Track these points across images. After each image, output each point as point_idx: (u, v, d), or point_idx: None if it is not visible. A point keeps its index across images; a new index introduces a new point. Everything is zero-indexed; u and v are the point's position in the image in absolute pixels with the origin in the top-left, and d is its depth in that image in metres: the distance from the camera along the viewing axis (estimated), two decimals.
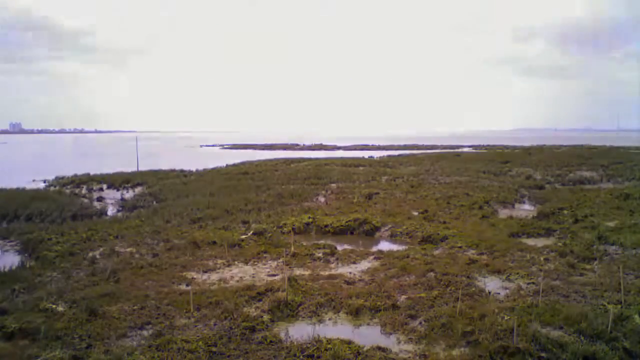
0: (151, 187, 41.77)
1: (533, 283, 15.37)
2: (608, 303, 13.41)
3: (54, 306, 13.42)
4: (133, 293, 14.66)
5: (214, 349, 11.14)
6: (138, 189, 42.76)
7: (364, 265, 18.09)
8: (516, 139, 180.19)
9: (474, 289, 14.92)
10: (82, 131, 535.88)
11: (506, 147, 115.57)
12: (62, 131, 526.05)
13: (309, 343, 11.19)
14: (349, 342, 11.26)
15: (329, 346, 10.98)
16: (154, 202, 34.47)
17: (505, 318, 12.35)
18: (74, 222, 26.85)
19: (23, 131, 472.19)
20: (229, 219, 26.62)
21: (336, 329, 12.55)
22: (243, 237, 22.22)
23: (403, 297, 14.40)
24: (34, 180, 48.97)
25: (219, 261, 18.43)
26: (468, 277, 16.03)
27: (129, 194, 39.81)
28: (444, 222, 24.85)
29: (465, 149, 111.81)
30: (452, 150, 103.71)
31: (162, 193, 37.60)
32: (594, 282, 15.40)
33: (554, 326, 12.06)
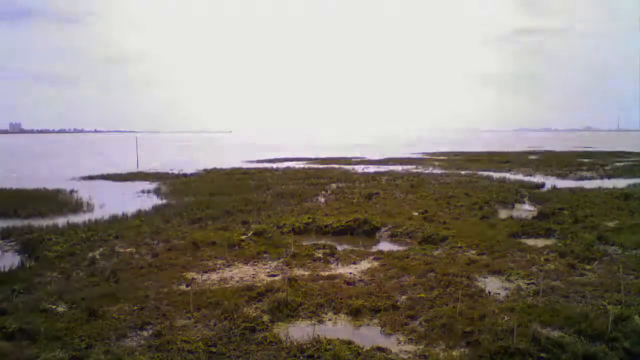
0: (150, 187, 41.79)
1: (533, 283, 15.37)
2: (608, 303, 13.43)
3: (53, 307, 13.42)
4: (133, 293, 14.65)
5: (213, 349, 11.15)
6: (138, 189, 42.75)
7: (364, 265, 18.07)
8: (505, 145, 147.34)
9: (474, 289, 14.92)
10: (81, 131, 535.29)
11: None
12: (61, 131, 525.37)
13: (309, 343, 11.18)
14: (349, 343, 11.25)
15: (328, 347, 10.98)
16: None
17: (505, 318, 12.37)
18: (74, 222, 26.83)
19: (23, 131, 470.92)
20: (229, 219, 26.61)
21: (336, 329, 12.54)
22: (243, 237, 22.20)
23: (403, 297, 14.40)
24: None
25: (219, 261, 18.41)
26: (468, 277, 16.02)
27: (129, 194, 39.75)
28: (444, 223, 24.83)
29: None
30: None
31: (162, 193, 37.59)
32: (594, 283, 15.41)
33: (554, 326, 12.07)
